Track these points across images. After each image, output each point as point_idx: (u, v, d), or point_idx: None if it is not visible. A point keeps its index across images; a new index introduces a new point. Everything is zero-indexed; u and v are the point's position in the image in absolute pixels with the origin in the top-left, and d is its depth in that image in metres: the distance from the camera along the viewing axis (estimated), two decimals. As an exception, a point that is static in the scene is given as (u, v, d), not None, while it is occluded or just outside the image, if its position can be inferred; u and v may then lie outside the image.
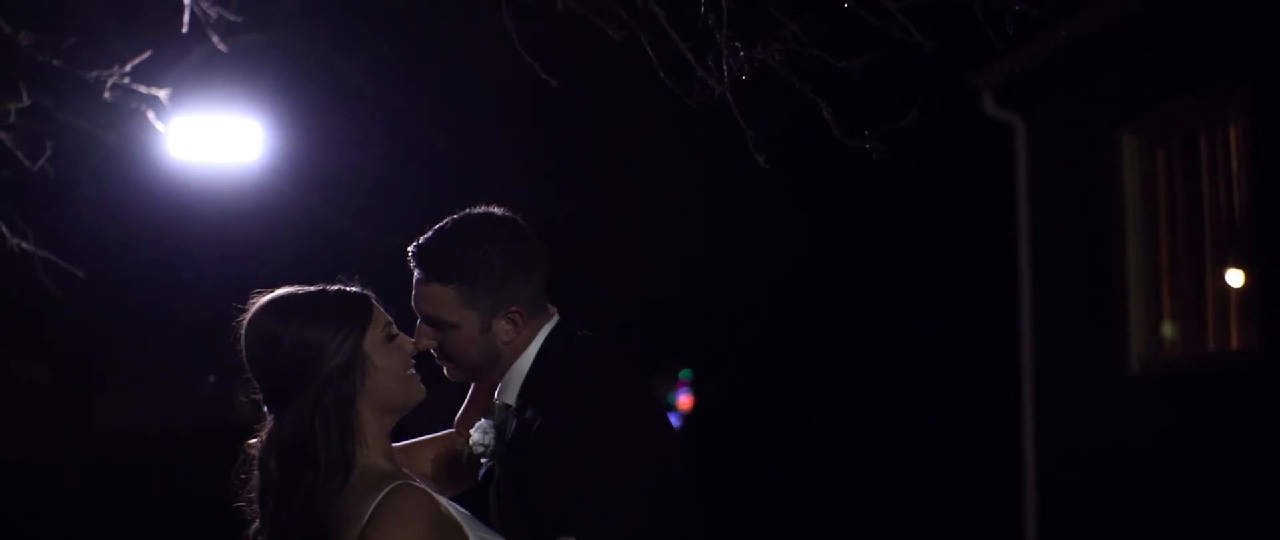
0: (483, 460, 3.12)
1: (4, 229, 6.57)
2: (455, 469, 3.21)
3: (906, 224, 17.92)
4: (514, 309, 3.05)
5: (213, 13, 6.36)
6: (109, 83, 6.77)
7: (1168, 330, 9.38)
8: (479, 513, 2.99)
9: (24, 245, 6.61)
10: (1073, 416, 10.33)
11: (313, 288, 2.99)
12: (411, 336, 3.07)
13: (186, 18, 6.28)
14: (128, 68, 6.77)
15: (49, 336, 19.59)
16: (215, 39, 6.53)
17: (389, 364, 2.94)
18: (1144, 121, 9.51)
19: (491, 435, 3.09)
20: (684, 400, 33.92)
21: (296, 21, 10.48)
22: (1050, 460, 10.53)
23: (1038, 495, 10.59)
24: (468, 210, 3.13)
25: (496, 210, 3.13)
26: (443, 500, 2.88)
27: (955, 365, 16.80)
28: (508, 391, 3.09)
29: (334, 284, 3.01)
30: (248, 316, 2.96)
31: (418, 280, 3.09)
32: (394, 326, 3.01)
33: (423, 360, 3.10)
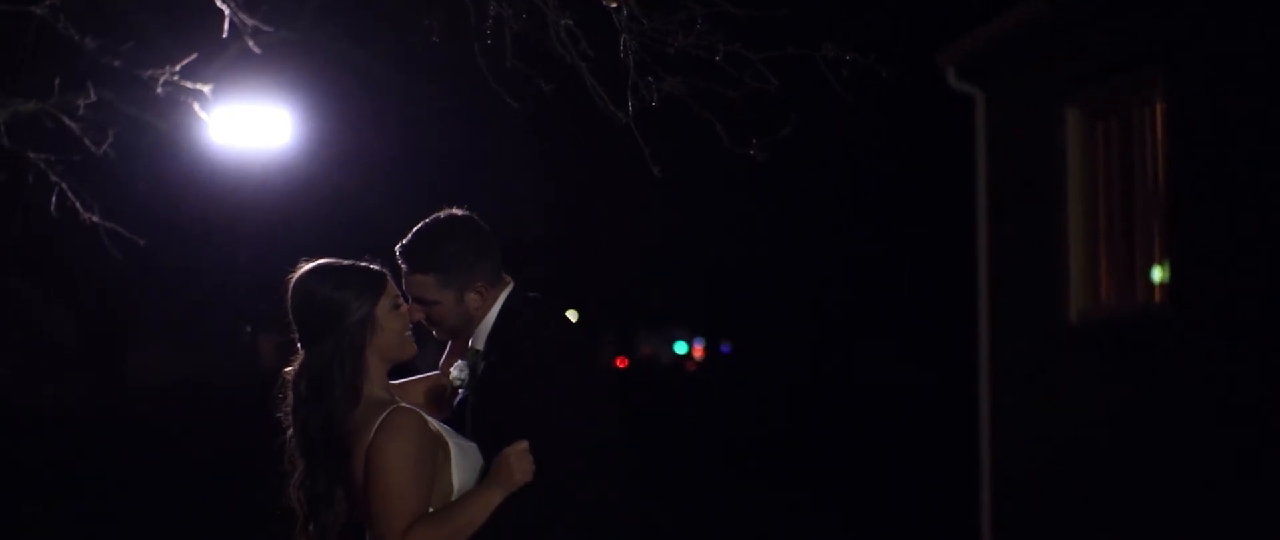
0: (460, 390, 3.90)
1: (77, 204, 7.53)
2: (439, 398, 4.00)
3: (880, 184, 18.59)
4: (479, 283, 3.85)
5: (248, 21, 7.30)
6: (161, 80, 7.57)
7: (1103, 285, 10.05)
8: (457, 429, 3.78)
9: (93, 218, 7.56)
10: (1023, 362, 10.89)
11: (346, 261, 3.74)
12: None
13: (226, 25, 7.11)
14: (177, 67, 7.59)
15: (82, 293, 20.34)
16: (250, 42, 7.30)
17: (392, 325, 3.72)
18: (1085, 98, 10.04)
19: (466, 372, 3.88)
20: (697, 349, 35.94)
21: (319, 21, 11.10)
22: (1003, 402, 11.13)
23: (992, 432, 11.19)
24: (435, 214, 3.91)
25: (457, 211, 3.91)
26: (430, 419, 3.66)
27: (918, 315, 17.55)
28: (478, 340, 3.90)
29: (362, 260, 3.76)
30: (295, 275, 3.72)
31: (405, 272, 3.87)
32: (401, 298, 3.76)
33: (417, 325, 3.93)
